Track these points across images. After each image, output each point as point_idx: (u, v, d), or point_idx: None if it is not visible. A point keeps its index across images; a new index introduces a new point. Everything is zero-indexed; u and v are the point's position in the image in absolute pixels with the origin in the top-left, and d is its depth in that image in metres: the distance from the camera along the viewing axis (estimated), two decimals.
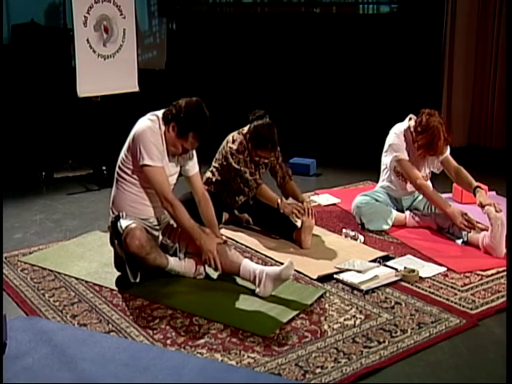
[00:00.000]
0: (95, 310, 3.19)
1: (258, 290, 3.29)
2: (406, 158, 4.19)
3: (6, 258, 3.82)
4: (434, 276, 3.56)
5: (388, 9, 7.87)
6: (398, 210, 4.38)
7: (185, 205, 3.56)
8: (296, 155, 5.93)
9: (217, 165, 4.25)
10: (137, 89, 5.82)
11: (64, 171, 5.79)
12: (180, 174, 3.61)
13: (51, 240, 4.16)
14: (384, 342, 2.86)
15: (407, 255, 3.85)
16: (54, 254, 3.91)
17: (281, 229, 4.14)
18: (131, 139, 3.41)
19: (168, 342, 2.88)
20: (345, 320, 3.07)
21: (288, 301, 3.24)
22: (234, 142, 4.14)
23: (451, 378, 2.63)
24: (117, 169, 3.51)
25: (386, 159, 4.32)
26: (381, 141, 4.43)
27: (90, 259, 3.81)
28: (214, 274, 3.52)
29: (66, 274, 3.61)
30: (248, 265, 3.36)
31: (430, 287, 3.43)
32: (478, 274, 3.59)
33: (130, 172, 3.44)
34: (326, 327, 3.00)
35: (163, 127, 3.42)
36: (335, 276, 3.53)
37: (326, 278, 3.52)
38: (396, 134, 4.25)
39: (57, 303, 3.26)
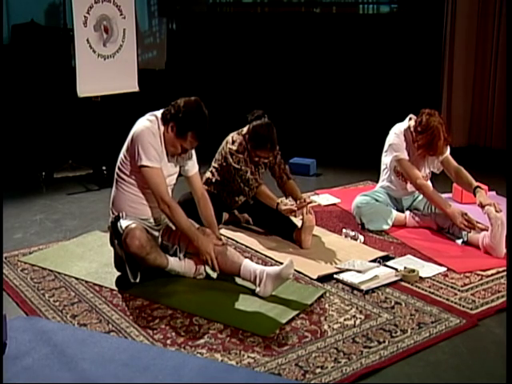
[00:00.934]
0: (95, 310, 3.19)
1: (258, 289, 3.29)
2: (406, 157, 4.19)
3: (6, 258, 3.82)
4: (434, 276, 3.56)
5: (388, 9, 7.87)
6: (398, 210, 4.38)
7: (184, 205, 3.57)
8: (296, 155, 5.93)
9: (216, 165, 4.26)
10: (137, 89, 5.82)
11: (64, 171, 5.79)
12: (180, 175, 3.61)
13: (51, 240, 4.16)
14: (384, 342, 2.86)
15: (407, 255, 3.85)
16: (54, 253, 3.91)
17: (281, 229, 4.14)
18: (130, 140, 3.42)
19: (168, 341, 2.88)
20: (345, 320, 3.07)
21: (288, 301, 3.24)
22: (233, 142, 4.15)
23: (451, 378, 2.63)
24: (116, 169, 3.51)
25: (386, 159, 4.33)
26: (381, 141, 4.43)
27: (90, 259, 3.81)
28: (214, 274, 3.52)
29: (66, 274, 3.61)
30: (248, 265, 3.36)
31: (430, 287, 3.43)
32: (478, 274, 3.59)
33: (129, 173, 3.44)
34: (325, 327, 3.00)
35: (162, 127, 3.42)
36: (335, 276, 3.53)
37: (326, 278, 3.52)
38: (396, 134, 4.25)
39: (57, 303, 3.26)
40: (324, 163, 6.00)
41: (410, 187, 4.32)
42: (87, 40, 5.39)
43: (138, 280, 3.40)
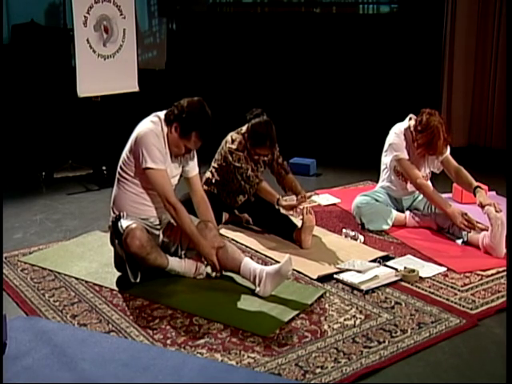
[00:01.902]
0: (95, 310, 3.19)
1: (258, 289, 3.29)
2: (406, 157, 4.19)
3: (6, 258, 3.82)
4: (434, 276, 3.56)
5: (388, 9, 7.87)
6: (398, 210, 4.38)
7: (185, 204, 3.57)
8: (296, 155, 5.93)
9: (216, 165, 4.26)
10: (137, 89, 5.81)
11: (64, 171, 5.79)
12: (180, 175, 3.62)
13: (51, 240, 4.16)
14: (384, 342, 2.86)
15: (407, 255, 3.85)
16: (54, 254, 3.91)
17: (281, 229, 4.14)
18: (133, 141, 3.41)
19: (168, 341, 2.88)
20: (345, 320, 3.07)
21: (288, 301, 3.24)
22: (233, 141, 4.15)
23: (451, 378, 2.63)
24: (118, 169, 3.51)
25: (386, 159, 4.32)
26: (381, 141, 4.43)
27: (90, 259, 3.81)
28: (214, 274, 3.51)
29: (66, 274, 3.61)
30: (248, 263, 3.37)
31: (430, 287, 3.43)
32: (478, 274, 3.59)
33: (131, 173, 3.44)
34: (326, 327, 3.00)
35: (165, 128, 3.42)
36: (335, 276, 3.53)
37: (326, 278, 3.52)
38: (396, 134, 4.25)
39: (57, 303, 3.26)
40: (324, 163, 6.00)
41: (410, 187, 4.32)
42: (87, 40, 5.39)
43: (138, 280, 3.40)
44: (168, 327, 3.01)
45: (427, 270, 3.62)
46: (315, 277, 3.53)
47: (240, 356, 2.75)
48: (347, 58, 7.60)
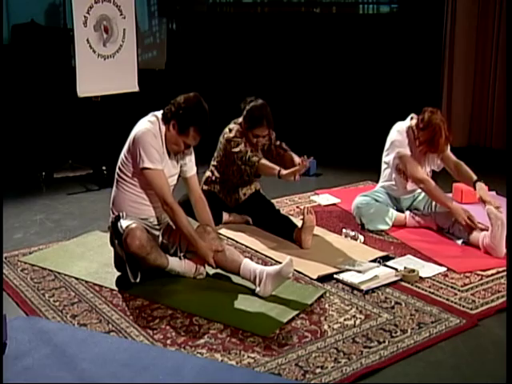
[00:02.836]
0: (95, 310, 3.19)
1: (258, 289, 3.29)
2: (409, 153, 4.19)
3: (6, 258, 3.82)
4: (434, 276, 3.56)
5: (388, 9, 7.87)
6: (398, 210, 4.38)
7: (184, 205, 3.57)
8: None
9: (215, 162, 4.28)
10: (137, 89, 5.81)
11: (64, 171, 5.79)
12: (179, 176, 3.62)
13: (51, 240, 4.16)
14: (384, 342, 2.86)
15: (407, 255, 3.85)
16: (54, 254, 3.91)
17: (281, 229, 4.14)
18: (131, 141, 3.42)
19: (168, 341, 2.88)
20: (345, 320, 3.07)
21: (288, 301, 3.24)
22: (230, 131, 4.19)
23: (451, 378, 2.63)
24: (117, 170, 3.52)
25: (388, 157, 4.32)
26: (381, 141, 4.43)
27: (90, 259, 3.81)
28: (215, 275, 3.51)
29: (66, 274, 3.61)
30: (248, 264, 3.37)
31: (430, 287, 3.43)
32: (478, 274, 3.59)
33: (130, 174, 3.44)
34: (326, 327, 3.00)
35: (163, 127, 3.42)
36: (335, 276, 3.53)
37: (326, 278, 3.52)
38: (398, 132, 4.25)
39: (57, 303, 3.26)
40: (324, 163, 6.00)
41: (410, 186, 4.31)
42: (87, 40, 5.39)
43: (138, 280, 3.40)
44: (168, 327, 3.01)
45: (427, 270, 3.62)
46: (315, 277, 3.53)
47: (240, 356, 2.75)
48: (347, 58, 7.60)
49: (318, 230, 4.20)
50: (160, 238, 3.54)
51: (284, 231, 4.12)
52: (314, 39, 7.76)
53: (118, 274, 3.53)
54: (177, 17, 8.56)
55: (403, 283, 3.47)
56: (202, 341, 2.88)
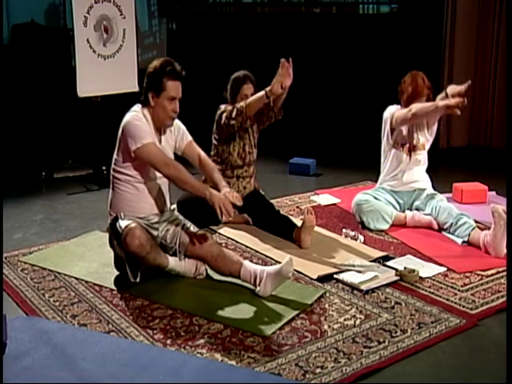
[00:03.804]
0: (95, 309, 3.19)
1: (258, 289, 3.28)
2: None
3: (6, 258, 3.82)
4: (434, 276, 3.56)
5: (388, 9, 7.86)
6: (398, 210, 4.38)
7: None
8: (296, 155, 5.93)
9: (213, 153, 4.30)
10: (137, 89, 5.79)
11: (64, 171, 5.79)
12: (177, 159, 3.58)
13: (51, 240, 4.16)
14: (384, 342, 2.86)
15: (407, 255, 3.85)
16: (54, 253, 3.91)
17: (281, 229, 4.14)
18: (120, 135, 3.46)
19: (168, 341, 2.88)
20: (345, 320, 3.07)
21: (288, 301, 3.24)
22: (220, 109, 4.29)
23: (451, 378, 2.63)
24: (111, 171, 3.53)
25: (385, 140, 4.36)
26: (381, 141, 4.43)
27: (89, 259, 3.81)
28: (215, 275, 3.51)
29: (66, 274, 3.61)
30: (248, 266, 3.36)
31: (430, 287, 3.43)
32: (478, 274, 3.59)
33: (123, 170, 3.45)
34: (326, 327, 3.00)
35: (146, 111, 3.45)
36: (335, 276, 3.53)
37: (326, 278, 3.52)
38: (387, 110, 4.39)
39: (57, 303, 3.26)
40: (324, 163, 6.00)
41: (407, 163, 4.30)
42: (87, 40, 5.40)
43: (138, 280, 3.40)
44: (168, 327, 3.01)
45: (427, 270, 3.62)
46: (315, 277, 3.53)
47: (240, 356, 2.75)
48: (347, 58, 7.59)
49: (317, 230, 4.20)
50: (159, 238, 3.52)
51: (284, 231, 4.11)
52: (314, 39, 7.76)
53: (118, 273, 3.52)
54: (177, 17, 8.57)
55: (403, 283, 3.46)
56: (201, 341, 2.88)
